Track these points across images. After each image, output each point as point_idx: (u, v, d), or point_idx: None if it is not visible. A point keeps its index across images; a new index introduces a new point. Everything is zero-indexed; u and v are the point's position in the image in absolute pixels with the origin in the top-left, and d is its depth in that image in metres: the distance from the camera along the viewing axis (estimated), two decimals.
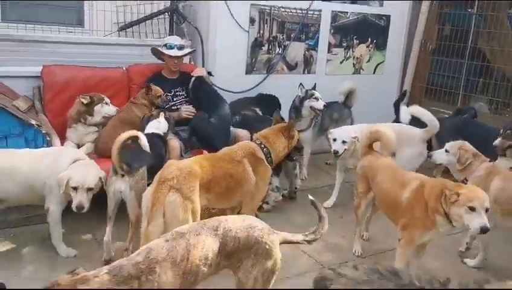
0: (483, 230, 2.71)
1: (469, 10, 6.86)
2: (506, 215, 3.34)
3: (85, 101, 3.92)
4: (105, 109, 4.00)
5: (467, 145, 3.63)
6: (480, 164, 3.52)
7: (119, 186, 3.09)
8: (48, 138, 3.67)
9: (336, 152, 4.21)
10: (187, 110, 4.35)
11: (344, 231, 4.01)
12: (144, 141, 3.18)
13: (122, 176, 3.08)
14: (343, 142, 4.23)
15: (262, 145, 3.26)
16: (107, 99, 4.03)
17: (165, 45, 4.40)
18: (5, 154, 3.21)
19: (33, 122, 3.57)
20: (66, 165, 3.14)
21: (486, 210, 2.73)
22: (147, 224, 2.61)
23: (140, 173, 3.11)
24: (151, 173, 3.12)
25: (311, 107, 4.84)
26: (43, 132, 3.63)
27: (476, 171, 3.49)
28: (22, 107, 3.68)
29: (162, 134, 3.71)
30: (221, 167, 2.98)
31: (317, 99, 4.84)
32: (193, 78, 4.46)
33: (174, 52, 4.37)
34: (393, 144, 3.50)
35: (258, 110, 4.89)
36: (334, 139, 4.25)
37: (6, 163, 3.11)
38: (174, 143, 3.90)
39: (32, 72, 4.20)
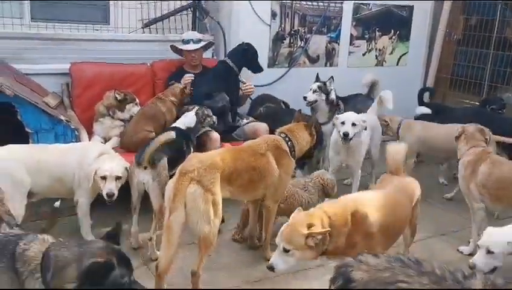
0: None
1: None
2: (494, 200, 3.46)
3: (119, 97, 4.07)
4: (134, 109, 4.14)
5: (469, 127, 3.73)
6: (469, 148, 3.61)
7: (142, 178, 3.18)
8: (77, 133, 3.78)
9: (346, 134, 3.83)
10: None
11: None
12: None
13: (145, 168, 3.16)
14: (353, 124, 3.88)
15: (287, 139, 3.27)
16: (137, 100, 4.17)
17: (182, 40, 4.50)
18: (36, 149, 3.34)
19: (62, 118, 3.69)
20: (92, 159, 3.24)
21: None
22: (168, 215, 2.68)
23: (161, 165, 3.20)
24: (172, 165, 3.22)
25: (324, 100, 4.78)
26: (72, 127, 3.75)
27: (466, 156, 3.60)
28: (52, 104, 3.80)
29: (185, 128, 3.78)
30: (244, 160, 3.01)
31: (310, 89, 4.73)
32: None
33: (189, 47, 4.44)
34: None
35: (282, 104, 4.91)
36: (342, 123, 3.90)
37: (38, 157, 3.23)
38: (214, 135, 3.98)
39: (60, 69, 4.33)
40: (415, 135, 4.50)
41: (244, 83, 4.58)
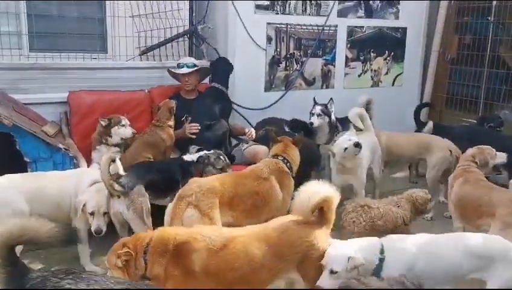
0: None
1: (488, 18, 6.83)
2: (463, 220, 3.51)
3: (104, 123, 4.05)
4: (122, 130, 4.06)
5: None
6: (457, 167, 3.76)
7: (117, 207, 3.14)
8: (75, 161, 3.80)
9: (356, 144, 3.85)
10: (192, 128, 4.27)
11: None
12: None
13: (118, 197, 3.11)
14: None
15: (285, 160, 3.29)
16: (124, 121, 4.08)
17: (177, 65, 4.56)
18: (35, 177, 3.36)
19: (61, 146, 3.71)
20: (85, 187, 3.25)
21: None
22: None
23: (135, 192, 3.13)
24: (162, 193, 3.27)
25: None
26: (70, 155, 3.77)
27: (452, 175, 3.75)
28: (50, 132, 3.82)
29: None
30: (246, 185, 3.01)
31: (313, 114, 4.78)
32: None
33: (182, 70, 4.49)
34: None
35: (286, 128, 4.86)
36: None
37: (36, 184, 3.23)
38: (260, 148, 4.10)
39: (59, 98, 4.37)
40: (383, 144, 4.71)
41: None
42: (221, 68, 4.65)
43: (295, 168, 3.35)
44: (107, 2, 4.76)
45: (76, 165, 3.76)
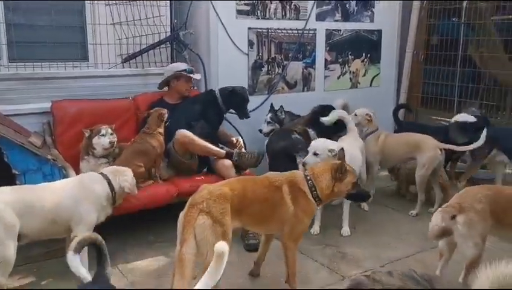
0: None
1: (453, 19, 7.09)
2: None
3: (86, 134, 3.99)
4: (101, 140, 3.97)
5: None
6: None
7: None
8: (64, 172, 3.73)
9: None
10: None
11: (359, 241, 4.11)
12: None
13: None
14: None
15: (308, 178, 3.11)
16: (104, 131, 3.99)
17: (185, 70, 4.56)
18: (25, 190, 3.26)
19: (49, 157, 3.64)
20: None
21: None
22: (179, 247, 2.66)
23: None
24: None
25: None
26: (59, 165, 3.70)
27: None
28: (37, 143, 3.74)
29: None
30: (256, 190, 2.97)
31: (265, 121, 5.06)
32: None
33: (196, 76, 4.66)
34: None
35: (311, 130, 4.93)
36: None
37: (28, 197, 3.14)
38: (227, 162, 4.16)
39: (41, 108, 4.29)
40: (379, 145, 4.93)
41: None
42: (231, 88, 4.64)
43: (319, 190, 3.09)
44: (87, 10, 4.70)
45: (65, 176, 3.69)
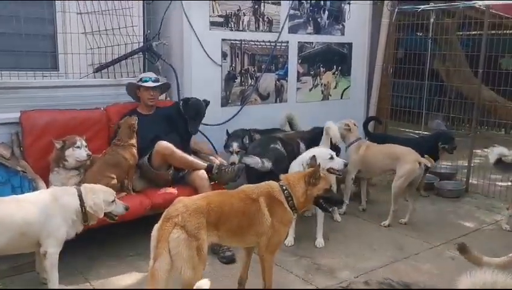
0: None
1: (417, 34, 7.33)
2: None
3: (58, 146, 3.84)
4: (76, 153, 3.84)
5: None
6: None
7: None
8: (34, 184, 3.63)
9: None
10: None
11: (333, 252, 4.14)
12: None
13: None
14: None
15: (284, 188, 3.12)
16: (79, 143, 3.88)
17: (141, 79, 4.50)
18: None
19: (19, 168, 3.54)
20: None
21: None
22: (153, 262, 2.61)
23: None
24: None
25: None
26: (29, 178, 3.60)
27: None
28: (6, 155, 3.64)
29: None
30: (233, 204, 2.94)
31: (231, 152, 4.89)
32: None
33: (149, 84, 4.43)
34: None
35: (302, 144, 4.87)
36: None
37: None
38: (201, 173, 4.12)
39: (9, 118, 4.13)
40: (360, 154, 5.03)
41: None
42: (187, 99, 4.58)
43: (295, 198, 3.12)
44: (57, 19, 4.61)
45: (35, 188, 3.59)
